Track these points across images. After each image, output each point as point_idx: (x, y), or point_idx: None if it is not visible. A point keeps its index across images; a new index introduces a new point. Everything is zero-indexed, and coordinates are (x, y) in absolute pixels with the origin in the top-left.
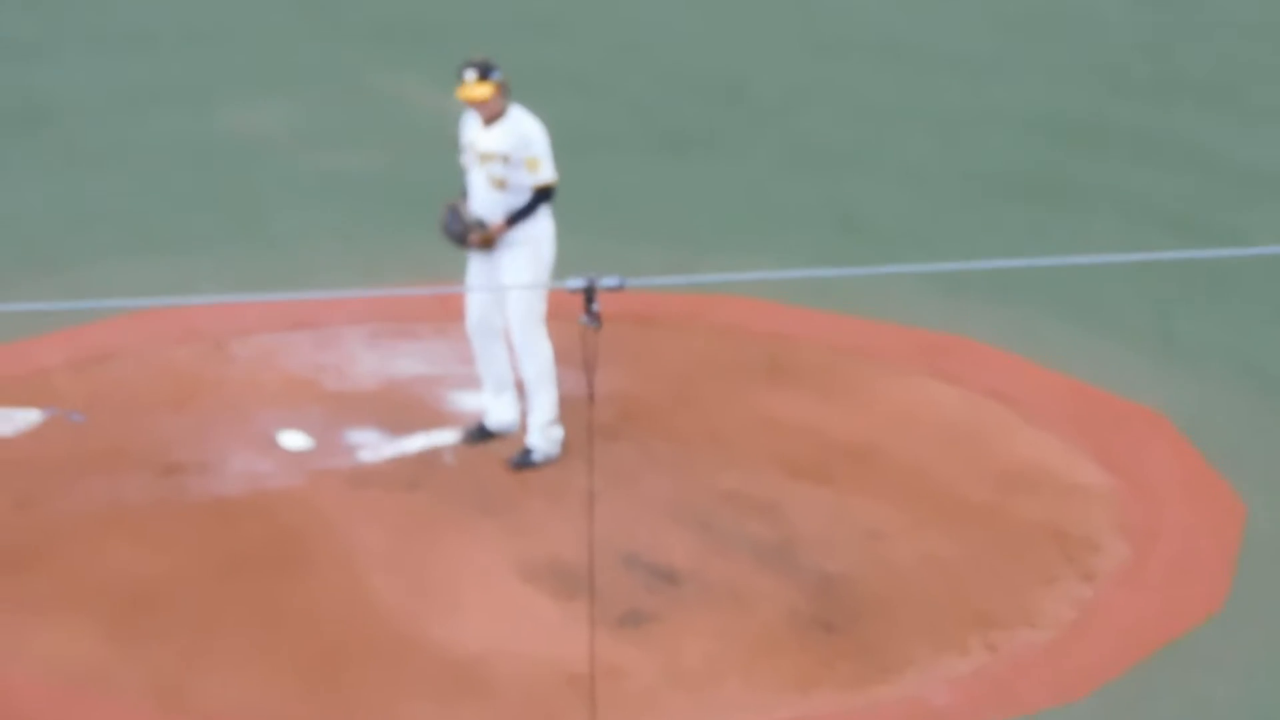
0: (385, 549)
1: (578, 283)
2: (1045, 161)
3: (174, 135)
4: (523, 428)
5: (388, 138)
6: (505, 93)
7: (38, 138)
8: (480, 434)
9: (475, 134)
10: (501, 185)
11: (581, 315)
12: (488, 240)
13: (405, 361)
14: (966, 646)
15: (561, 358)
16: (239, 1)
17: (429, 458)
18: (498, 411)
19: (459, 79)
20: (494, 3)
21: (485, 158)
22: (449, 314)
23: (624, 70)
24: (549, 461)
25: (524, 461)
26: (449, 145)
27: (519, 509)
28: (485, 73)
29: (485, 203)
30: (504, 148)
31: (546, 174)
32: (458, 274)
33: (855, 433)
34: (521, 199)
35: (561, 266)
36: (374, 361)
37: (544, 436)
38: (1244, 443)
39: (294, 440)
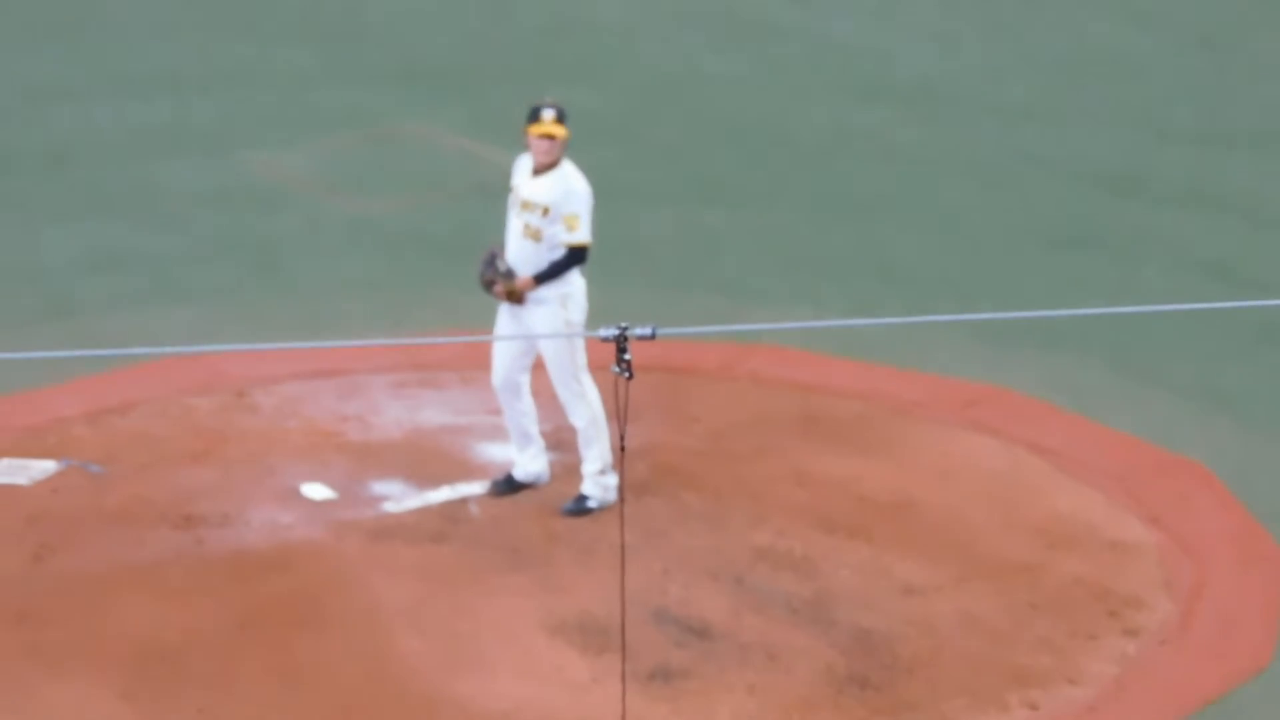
0: (410, 603)
1: (609, 332)
2: (1088, 210)
3: (197, 180)
4: (550, 478)
5: (413, 183)
6: (564, 145)
7: (59, 181)
8: (508, 485)
9: (522, 180)
10: (536, 237)
11: (613, 365)
12: (512, 294)
13: (430, 411)
14: (1006, 704)
15: None
16: (263, 45)
17: (454, 509)
18: (525, 463)
19: (533, 117)
20: (523, 47)
21: (526, 206)
22: (474, 363)
23: (657, 117)
24: (604, 508)
25: (578, 509)
26: (475, 191)
27: (548, 563)
28: (562, 115)
29: (516, 251)
30: (547, 199)
31: (582, 234)
32: (483, 323)
33: (892, 486)
34: (553, 255)
35: (594, 316)
36: (399, 411)
37: (598, 484)
38: None
39: (317, 491)
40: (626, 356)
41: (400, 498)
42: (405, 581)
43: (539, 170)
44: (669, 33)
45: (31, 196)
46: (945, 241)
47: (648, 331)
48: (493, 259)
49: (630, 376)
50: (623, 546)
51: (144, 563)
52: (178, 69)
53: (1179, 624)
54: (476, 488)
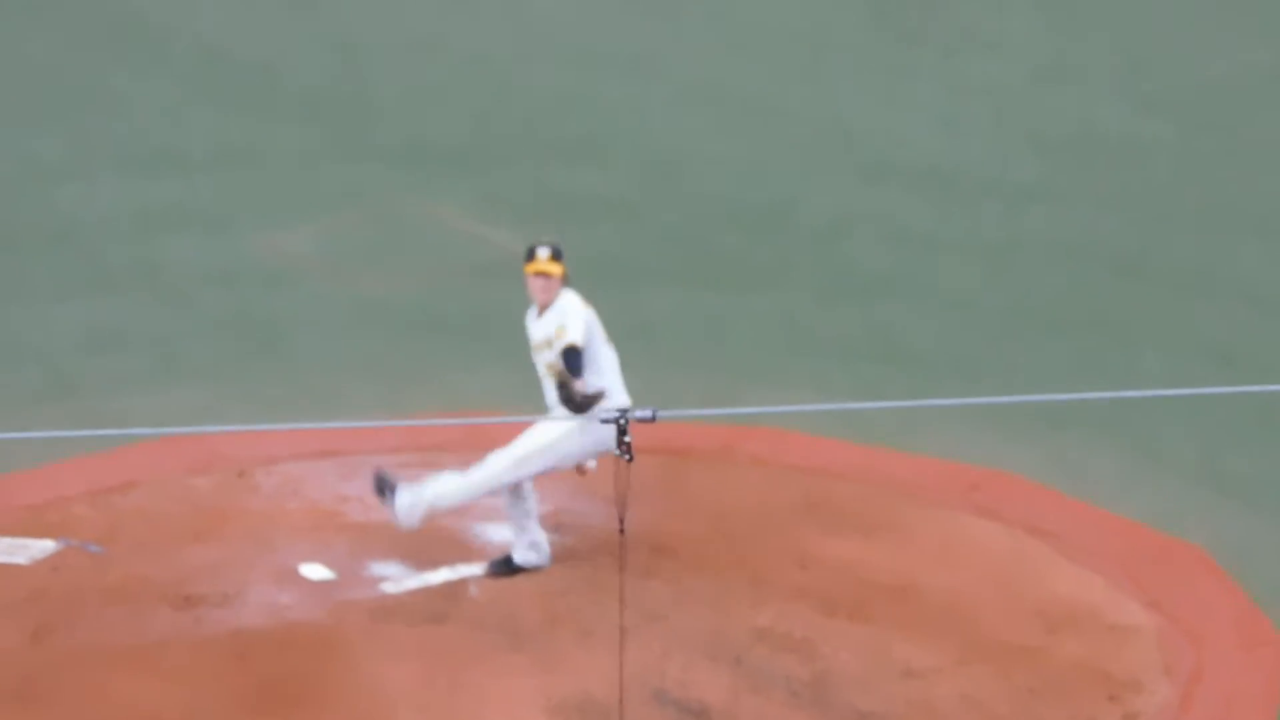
0: (410, 684)
1: (610, 415)
2: (1091, 292)
3: (201, 259)
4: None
5: (418, 263)
6: (565, 280)
7: (62, 259)
8: (506, 567)
9: (531, 324)
10: (558, 372)
11: (614, 447)
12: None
13: None
14: None
15: (594, 490)
16: (268, 124)
17: (454, 590)
18: (522, 550)
19: (529, 256)
20: (526, 126)
21: (536, 348)
22: (476, 445)
23: (660, 196)
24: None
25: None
26: (479, 272)
27: (548, 644)
28: (558, 254)
29: (548, 392)
30: (548, 334)
31: (571, 336)
32: (485, 405)
33: (893, 569)
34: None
35: None
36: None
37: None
38: None
39: (316, 571)
40: (627, 439)
41: (400, 578)
42: (406, 662)
43: (541, 310)
44: (674, 112)
45: (35, 275)
46: (950, 323)
47: (648, 414)
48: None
49: (631, 459)
50: (622, 628)
51: (144, 642)
52: (183, 148)
53: (1178, 708)
54: (476, 569)
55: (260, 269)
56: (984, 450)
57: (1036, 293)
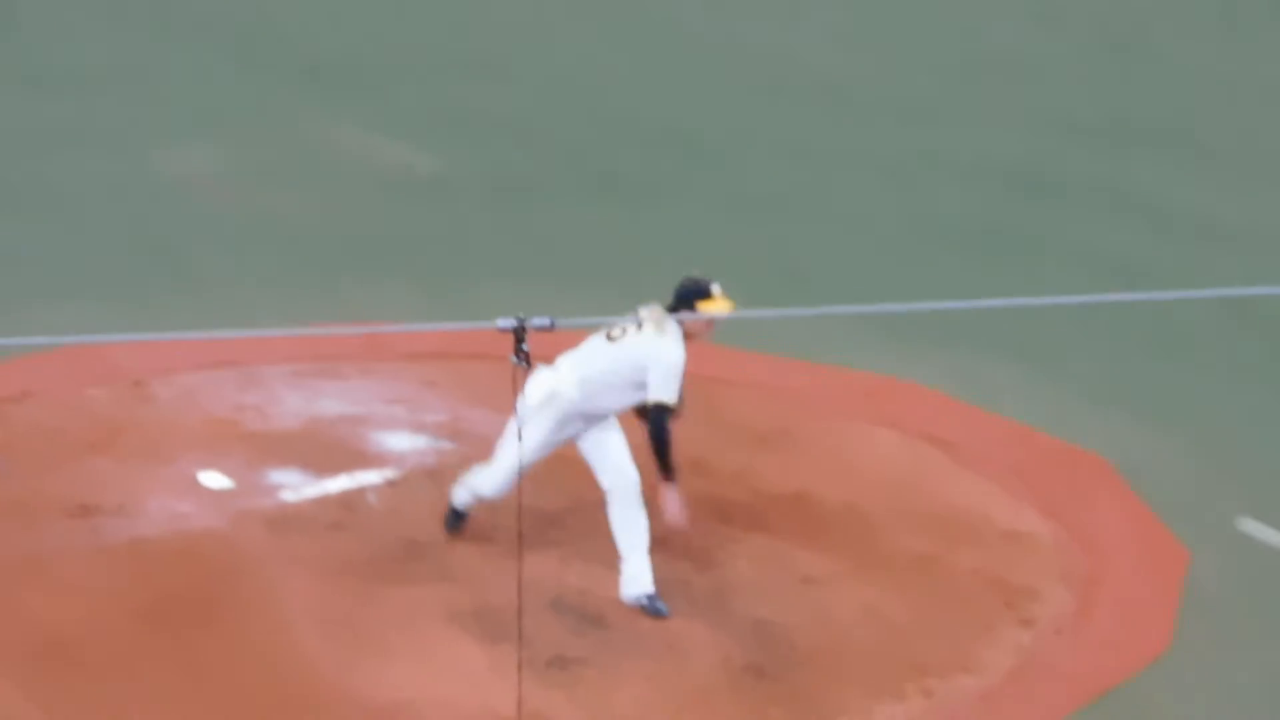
0: (308, 592)
1: (508, 322)
2: (991, 208)
3: (99, 176)
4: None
5: (316, 179)
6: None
7: None
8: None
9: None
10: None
11: (511, 355)
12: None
13: (328, 401)
14: (903, 694)
15: (492, 399)
16: (167, 42)
17: (352, 499)
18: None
19: (706, 294)
20: (425, 43)
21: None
22: (372, 355)
23: (559, 112)
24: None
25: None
26: (378, 187)
27: (445, 552)
28: None
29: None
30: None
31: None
32: (382, 315)
33: (790, 477)
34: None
35: (493, 307)
36: (297, 401)
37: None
38: (1187, 488)
39: (214, 480)
40: (525, 347)
41: (298, 487)
42: (304, 570)
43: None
44: (573, 30)
45: None
46: (849, 239)
47: (546, 322)
48: None
49: (529, 367)
50: (520, 536)
51: (41, 553)
52: (80, 65)
53: (1074, 614)
54: (374, 476)
55: (158, 185)
56: (882, 361)
57: (936, 209)
